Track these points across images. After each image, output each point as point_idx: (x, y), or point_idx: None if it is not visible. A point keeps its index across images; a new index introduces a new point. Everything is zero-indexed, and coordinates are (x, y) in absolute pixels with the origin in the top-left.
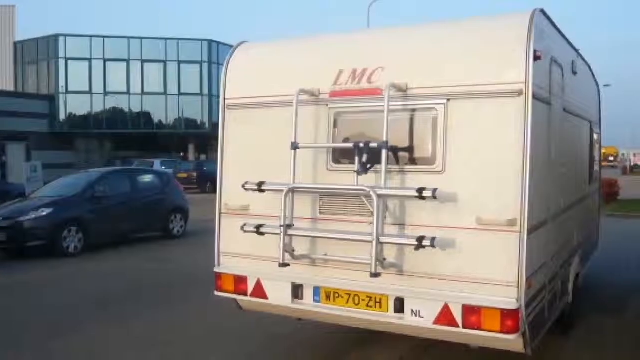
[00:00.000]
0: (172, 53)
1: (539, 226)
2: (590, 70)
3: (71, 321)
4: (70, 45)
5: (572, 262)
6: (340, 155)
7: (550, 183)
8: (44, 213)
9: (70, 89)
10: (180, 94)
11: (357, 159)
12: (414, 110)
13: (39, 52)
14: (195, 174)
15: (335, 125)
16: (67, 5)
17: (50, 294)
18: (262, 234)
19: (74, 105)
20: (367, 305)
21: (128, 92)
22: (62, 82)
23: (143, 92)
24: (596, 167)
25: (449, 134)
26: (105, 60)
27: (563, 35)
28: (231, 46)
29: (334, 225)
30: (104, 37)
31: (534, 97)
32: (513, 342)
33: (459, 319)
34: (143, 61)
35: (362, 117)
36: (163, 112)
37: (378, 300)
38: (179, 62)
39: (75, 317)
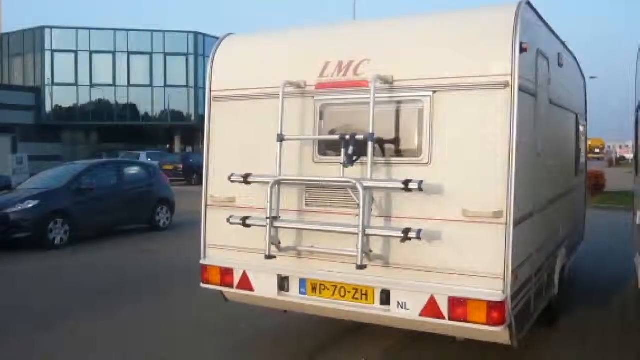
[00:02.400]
0: (158, 45)
1: (525, 218)
2: (577, 62)
3: (57, 312)
4: (56, 37)
5: (558, 254)
6: (327, 147)
7: (536, 175)
8: (30, 205)
9: (56, 81)
10: (166, 86)
11: (343, 151)
12: (400, 102)
13: (25, 44)
14: (181, 166)
15: (321, 117)
16: None
17: (35, 286)
18: (248, 226)
19: (60, 97)
20: (353, 297)
21: (114, 84)
22: (48, 74)
23: (129, 84)
24: (582, 159)
25: (434, 126)
26: (91, 52)
27: (549, 27)
28: (217, 38)
29: (320, 217)
30: (89, 29)
31: (520, 89)
32: (499, 334)
33: (445, 311)
34: (129, 53)
35: (348, 109)
36: (149, 104)
37: (364, 292)
38: (165, 54)
39: (60, 309)
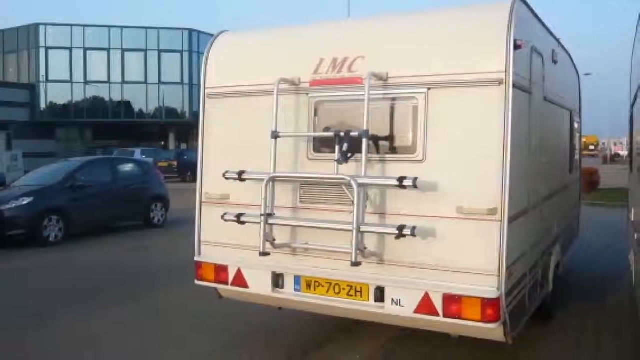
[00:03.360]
0: (153, 42)
1: (520, 215)
2: (571, 59)
3: (51, 309)
4: (50, 34)
5: (552, 251)
6: (321, 144)
7: (530, 172)
8: (25, 202)
9: (50, 78)
10: (160, 83)
11: (337, 148)
12: (394, 99)
13: (19, 41)
14: (175, 163)
15: (315, 114)
16: None
17: (30, 283)
18: (242, 223)
19: (54, 95)
20: (348, 295)
21: (108, 81)
22: (42, 71)
23: (123, 81)
24: (577, 156)
25: (429, 123)
26: (85, 49)
27: (544, 24)
28: (212, 35)
29: (314, 214)
30: (84, 26)
31: (514, 86)
32: (493, 331)
33: (439, 308)
34: (124, 50)
35: (343, 106)
36: (143, 101)
37: (358, 289)
38: (160, 51)
39: (55, 305)
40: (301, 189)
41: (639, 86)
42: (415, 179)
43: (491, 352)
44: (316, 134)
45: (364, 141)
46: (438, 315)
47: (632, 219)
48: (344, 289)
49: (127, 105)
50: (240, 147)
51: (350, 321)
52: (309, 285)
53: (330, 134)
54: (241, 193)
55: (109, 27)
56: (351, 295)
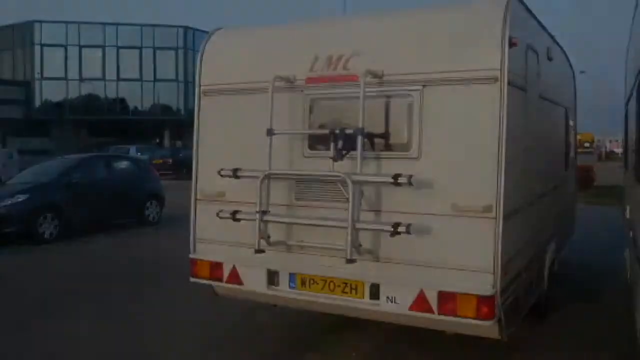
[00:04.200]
0: (148, 39)
1: (515, 212)
2: (566, 56)
3: (47, 307)
4: (45, 31)
5: (548, 248)
6: (316, 142)
7: (526, 169)
8: (20, 199)
9: (45, 75)
10: (155, 80)
11: (332, 145)
12: (389, 96)
13: (15, 39)
14: (170, 160)
15: (311, 112)
16: None
17: (24, 280)
18: (237, 220)
19: (49, 92)
20: (343, 292)
21: (104, 79)
22: (37, 69)
23: (119, 79)
24: (572, 154)
25: (424, 120)
26: (80, 47)
27: (539, 22)
28: (207, 32)
29: (309, 211)
30: (79, 23)
31: (509, 83)
32: (488, 328)
33: (434, 305)
34: (119, 47)
35: (338, 103)
36: (139, 98)
37: (353, 286)
38: (155, 49)
39: (48, 303)
40: (296, 187)
41: (633, 83)
42: (410, 176)
43: (486, 350)
44: (311, 132)
45: (359, 138)
46: (433, 312)
47: (628, 217)
48: (338, 286)
49: (122, 102)
50: (235, 145)
51: (345, 318)
52: (303, 283)
53: (326, 131)
54: (236, 190)
55: (104, 24)
56: (346, 293)
